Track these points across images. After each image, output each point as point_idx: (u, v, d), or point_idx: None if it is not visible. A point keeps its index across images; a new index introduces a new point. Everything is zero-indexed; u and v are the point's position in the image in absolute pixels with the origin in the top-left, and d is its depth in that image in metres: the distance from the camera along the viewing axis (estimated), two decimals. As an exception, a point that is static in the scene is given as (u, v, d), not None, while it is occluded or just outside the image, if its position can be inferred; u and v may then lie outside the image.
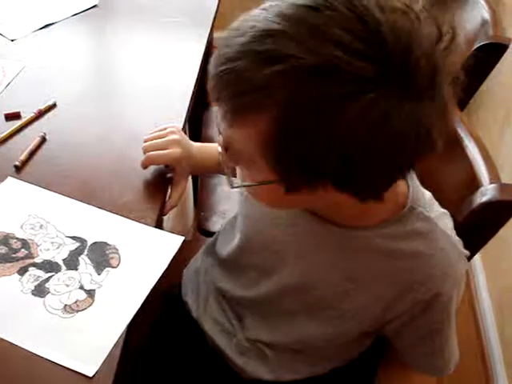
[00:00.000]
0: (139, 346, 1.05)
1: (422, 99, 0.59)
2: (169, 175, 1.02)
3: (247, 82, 0.59)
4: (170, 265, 0.90)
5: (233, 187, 0.72)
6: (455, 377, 1.73)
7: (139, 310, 0.84)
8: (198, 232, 1.44)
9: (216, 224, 1.45)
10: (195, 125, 1.68)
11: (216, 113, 0.66)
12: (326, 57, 0.56)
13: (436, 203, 0.81)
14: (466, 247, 0.89)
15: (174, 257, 0.92)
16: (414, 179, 0.79)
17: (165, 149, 1.01)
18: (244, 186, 0.71)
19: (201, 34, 1.35)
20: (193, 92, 1.20)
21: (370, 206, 0.70)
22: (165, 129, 1.05)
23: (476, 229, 0.87)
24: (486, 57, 1.21)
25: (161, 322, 1.11)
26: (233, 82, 0.60)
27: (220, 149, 0.71)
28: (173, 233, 0.95)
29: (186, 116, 1.15)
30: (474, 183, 0.88)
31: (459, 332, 1.92)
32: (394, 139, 0.59)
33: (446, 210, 0.82)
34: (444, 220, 0.80)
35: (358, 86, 0.56)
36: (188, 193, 2.04)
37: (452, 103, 0.63)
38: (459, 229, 0.87)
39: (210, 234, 1.44)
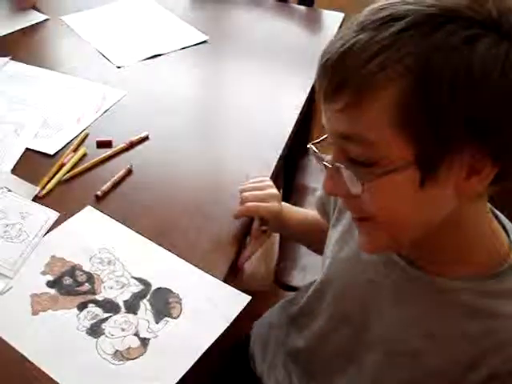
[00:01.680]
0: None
1: None
2: (264, 228, 0.98)
3: (373, 45, 0.59)
4: (235, 321, 0.85)
5: (368, 181, 0.63)
6: None
7: (196, 364, 0.80)
8: (275, 284, 1.38)
9: (295, 278, 1.38)
10: (289, 172, 1.63)
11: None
12: (445, 3, 0.59)
13: None
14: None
15: (241, 313, 0.87)
16: None
17: (264, 201, 0.98)
18: (376, 178, 0.62)
19: (305, 81, 1.31)
20: (287, 142, 1.15)
21: (468, 251, 0.69)
22: (262, 181, 1.02)
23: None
24: None
25: (224, 373, 1.06)
26: (359, 51, 0.59)
27: (330, 173, 0.67)
28: (246, 287, 0.91)
29: (276, 166, 1.10)
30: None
31: None
32: None
33: None
34: None
35: (479, 27, 0.58)
36: (276, 239, 1.99)
37: None
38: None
39: (288, 287, 1.38)
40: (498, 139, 0.60)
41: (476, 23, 0.58)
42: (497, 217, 0.73)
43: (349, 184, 0.65)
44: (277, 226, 1.02)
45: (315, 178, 1.64)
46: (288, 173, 1.64)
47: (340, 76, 0.60)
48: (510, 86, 0.58)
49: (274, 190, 1.01)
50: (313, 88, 1.32)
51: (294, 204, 1.32)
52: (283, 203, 1.05)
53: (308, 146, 0.71)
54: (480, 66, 0.57)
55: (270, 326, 1.04)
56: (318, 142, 0.71)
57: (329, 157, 0.68)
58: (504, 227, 0.73)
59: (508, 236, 0.71)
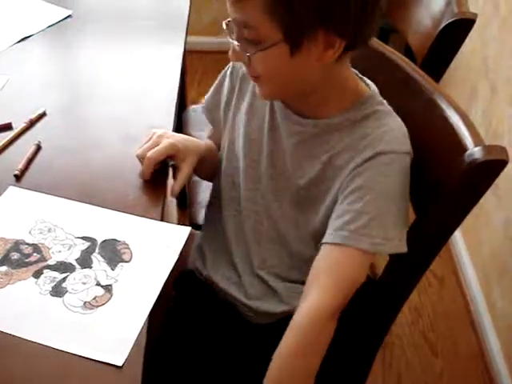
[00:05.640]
0: (158, 330, 1.09)
1: None
2: (171, 163, 1.05)
3: None
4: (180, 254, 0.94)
5: (250, 54, 0.87)
6: (448, 346, 1.80)
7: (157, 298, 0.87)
8: (191, 227, 1.47)
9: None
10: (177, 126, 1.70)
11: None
12: None
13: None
14: (455, 212, 0.94)
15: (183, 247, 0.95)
16: (375, 89, 0.97)
17: (156, 145, 1.04)
18: (259, 51, 0.85)
19: (178, 36, 1.39)
20: (178, 93, 1.23)
21: (338, 96, 0.94)
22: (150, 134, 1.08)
23: (465, 191, 0.92)
24: (454, 34, 1.27)
25: (175, 305, 1.16)
26: None
27: (232, 47, 0.89)
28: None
29: (175, 116, 1.18)
30: (459, 149, 0.92)
31: (447, 303, 1.99)
32: None
33: None
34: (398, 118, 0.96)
35: None
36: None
37: None
38: (448, 194, 0.92)
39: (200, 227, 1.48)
40: (339, 23, 0.82)
41: None
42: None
43: (244, 56, 0.88)
44: (189, 156, 1.07)
45: (198, 128, 1.73)
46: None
47: None
48: None
49: (159, 131, 1.07)
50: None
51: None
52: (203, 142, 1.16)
53: (224, 24, 0.89)
54: None
55: (199, 246, 1.16)
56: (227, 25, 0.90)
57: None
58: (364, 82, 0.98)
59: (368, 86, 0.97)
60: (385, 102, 0.96)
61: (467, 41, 1.27)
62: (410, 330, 1.83)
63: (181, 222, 0.97)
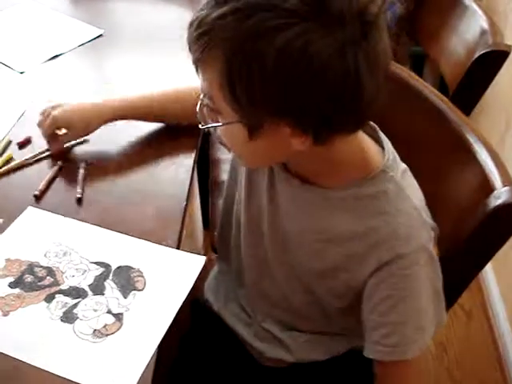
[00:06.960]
0: (171, 357, 1.08)
1: (353, 40, 0.66)
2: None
3: (204, 25, 0.68)
4: (194, 284, 0.92)
5: (202, 127, 0.80)
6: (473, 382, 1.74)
7: (168, 328, 0.86)
8: (212, 251, 1.45)
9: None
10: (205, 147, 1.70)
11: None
12: None
13: (408, 174, 0.85)
14: (482, 252, 0.91)
15: (198, 276, 0.94)
16: (390, 151, 0.83)
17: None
18: (212, 127, 0.78)
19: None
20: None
21: (339, 168, 0.80)
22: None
23: (491, 233, 0.88)
24: (488, 65, 1.24)
25: (190, 332, 1.14)
26: (195, 28, 0.69)
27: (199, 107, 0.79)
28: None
29: (199, 137, 1.17)
30: (486, 188, 0.89)
31: (474, 338, 1.92)
32: (318, 70, 0.66)
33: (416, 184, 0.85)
34: (413, 190, 0.83)
35: (288, 19, 0.64)
36: (196, 214, 2.06)
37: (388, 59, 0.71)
38: (473, 235, 0.88)
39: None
40: (299, 117, 0.70)
41: (295, 12, 0.64)
42: (377, 137, 0.85)
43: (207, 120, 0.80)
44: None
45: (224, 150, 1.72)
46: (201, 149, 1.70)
47: (189, 43, 0.72)
48: (307, 76, 0.66)
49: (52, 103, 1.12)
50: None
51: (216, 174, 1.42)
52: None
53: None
54: (274, 56, 0.65)
55: (215, 277, 1.14)
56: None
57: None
58: (380, 142, 0.84)
59: (383, 151, 0.83)
60: (398, 174, 0.81)
61: (504, 69, 1.24)
62: (433, 365, 1.78)
63: (205, 243, 0.95)
